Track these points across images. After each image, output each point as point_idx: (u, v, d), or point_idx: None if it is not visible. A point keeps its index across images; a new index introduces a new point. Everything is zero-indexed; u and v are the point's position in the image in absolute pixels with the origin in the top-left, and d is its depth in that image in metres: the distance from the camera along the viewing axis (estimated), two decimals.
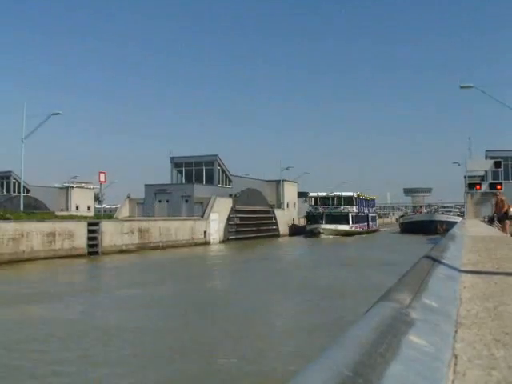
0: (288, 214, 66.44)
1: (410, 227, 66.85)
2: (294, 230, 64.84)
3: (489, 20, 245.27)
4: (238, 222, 52.29)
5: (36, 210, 50.28)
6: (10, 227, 28.67)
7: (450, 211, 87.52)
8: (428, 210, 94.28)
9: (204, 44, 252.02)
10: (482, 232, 12.54)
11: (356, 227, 64.12)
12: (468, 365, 1.41)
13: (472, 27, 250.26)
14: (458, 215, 72.35)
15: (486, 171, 48.01)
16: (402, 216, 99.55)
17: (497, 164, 34.32)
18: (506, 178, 50.82)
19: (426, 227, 62.29)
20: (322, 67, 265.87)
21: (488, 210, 43.21)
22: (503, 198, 24.56)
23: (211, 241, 46.89)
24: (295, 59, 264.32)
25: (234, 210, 51.76)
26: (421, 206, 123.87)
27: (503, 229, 21.12)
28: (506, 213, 23.71)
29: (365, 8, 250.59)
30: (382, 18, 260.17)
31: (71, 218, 38.96)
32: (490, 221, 25.78)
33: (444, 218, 69.33)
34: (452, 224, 66.14)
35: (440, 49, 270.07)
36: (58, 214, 49.94)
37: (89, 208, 73.79)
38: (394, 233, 70.18)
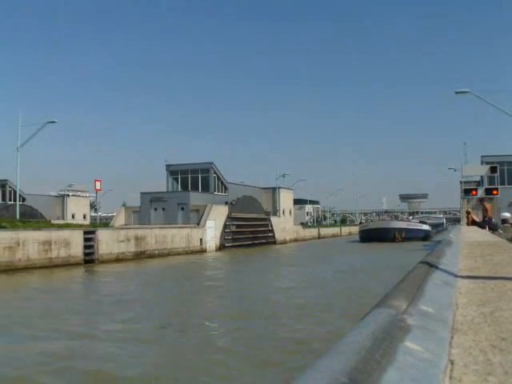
0: (284, 222, 66.41)
1: (368, 235, 62.57)
2: None
3: (487, 28, 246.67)
4: (234, 229, 52.24)
5: (32, 218, 50.16)
6: (6, 236, 28.57)
7: (429, 217, 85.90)
8: (384, 217, 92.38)
9: (201, 50, 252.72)
10: (478, 237, 12.56)
11: None
12: (464, 370, 1.41)
13: (469, 33, 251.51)
14: (456, 220, 72.16)
15: (481, 176, 48.22)
16: (360, 223, 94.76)
17: (492, 169, 34.44)
18: (502, 183, 50.94)
19: (382, 235, 59.57)
20: (319, 74, 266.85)
21: None
22: (485, 204, 24.97)
23: (207, 248, 46.82)
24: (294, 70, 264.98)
25: (230, 218, 51.70)
26: (384, 212, 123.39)
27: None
28: (484, 219, 24.12)
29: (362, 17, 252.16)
30: (374, 26, 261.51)
31: (67, 226, 38.83)
32: (473, 223, 26.01)
33: (403, 225, 66.00)
34: (414, 231, 63.45)
35: (435, 55, 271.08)
36: (54, 222, 49.82)
37: (85, 216, 73.64)
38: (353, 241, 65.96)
